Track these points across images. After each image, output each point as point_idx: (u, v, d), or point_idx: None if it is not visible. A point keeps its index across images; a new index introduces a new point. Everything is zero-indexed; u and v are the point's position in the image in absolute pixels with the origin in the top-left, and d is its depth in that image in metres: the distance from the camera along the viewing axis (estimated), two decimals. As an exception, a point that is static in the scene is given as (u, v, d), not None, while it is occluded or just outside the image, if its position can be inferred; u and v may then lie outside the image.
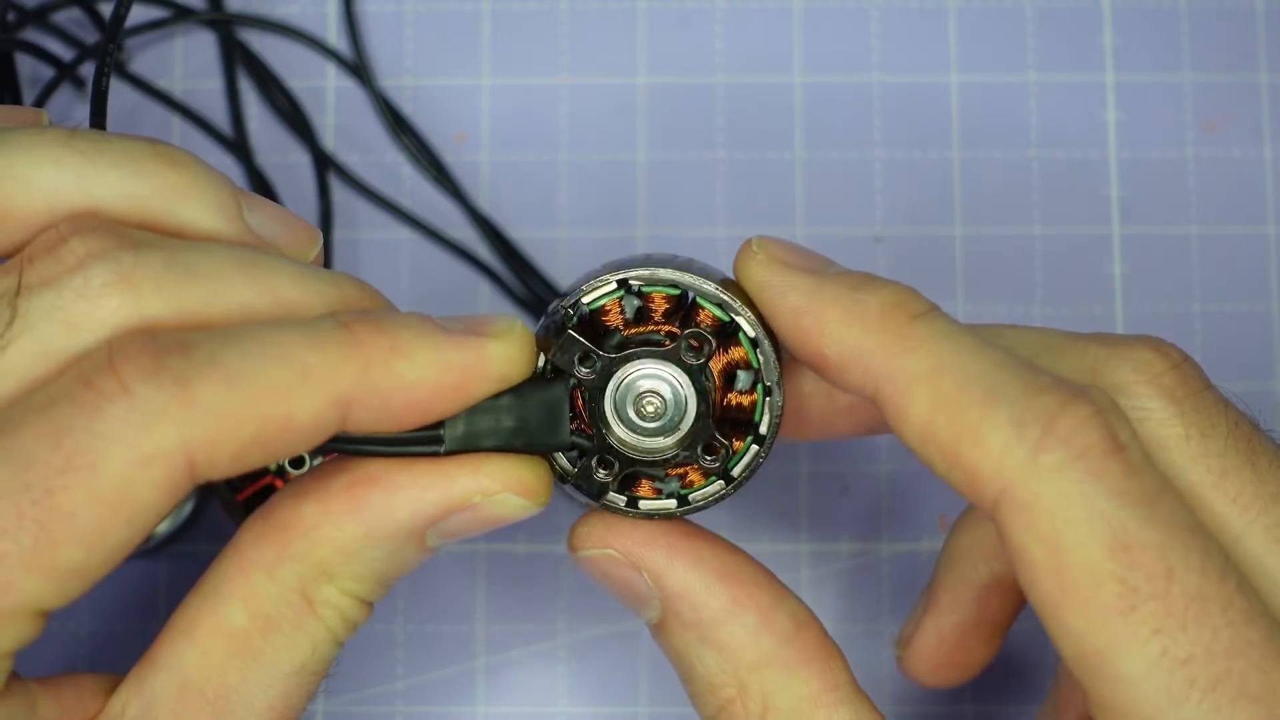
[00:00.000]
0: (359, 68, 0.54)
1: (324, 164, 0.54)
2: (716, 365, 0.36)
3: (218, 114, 0.54)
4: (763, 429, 0.35)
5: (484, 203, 0.53)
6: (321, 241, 0.36)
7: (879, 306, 0.33)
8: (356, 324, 0.32)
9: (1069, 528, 0.30)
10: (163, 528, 0.48)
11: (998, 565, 0.42)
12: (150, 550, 0.50)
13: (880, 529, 0.52)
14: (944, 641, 0.43)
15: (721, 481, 0.35)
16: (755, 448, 0.35)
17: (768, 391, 0.35)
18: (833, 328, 0.34)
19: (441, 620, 0.51)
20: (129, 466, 0.30)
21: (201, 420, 0.30)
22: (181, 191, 0.33)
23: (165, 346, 0.30)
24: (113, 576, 0.51)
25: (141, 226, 0.33)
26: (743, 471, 0.35)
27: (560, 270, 0.53)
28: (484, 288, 0.53)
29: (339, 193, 0.54)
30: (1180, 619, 0.30)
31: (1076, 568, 0.30)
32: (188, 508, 0.49)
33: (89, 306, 0.31)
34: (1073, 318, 0.52)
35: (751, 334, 0.35)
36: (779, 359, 0.35)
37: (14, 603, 0.30)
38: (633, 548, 0.35)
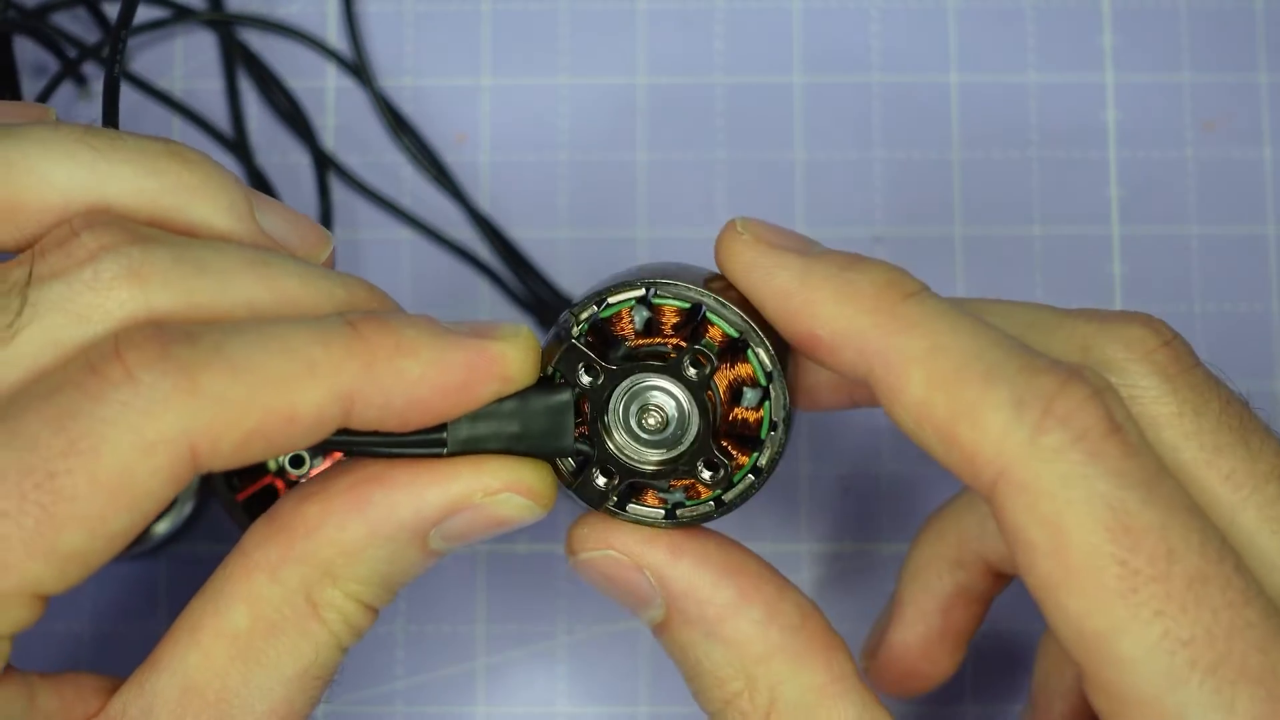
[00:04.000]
0: (359, 68, 0.54)
1: (324, 164, 0.54)
2: (723, 380, 0.35)
3: (218, 114, 0.54)
4: (762, 461, 0.34)
5: (484, 203, 0.53)
6: (333, 244, 0.36)
7: (871, 285, 0.33)
8: (362, 322, 0.32)
9: (1069, 509, 0.30)
10: (162, 528, 0.48)
11: (962, 575, 0.42)
12: (150, 550, 0.50)
13: (880, 529, 0.52)
14: (910, 653, 0.43)
15: (712, 504, 0.35)
16: (751, 478, 0.34)
17: (773, 426, 0.34)
18: (824, 308, 0.33)
19: (441, 620, 0.51)
20: (131, 452, 0.30)
21: (205, 409, 0.30)
22: (193, 190, 0.33)
23: (172, 336, 0.30)
24: (113, 576, 0.52)
25: (153, 223, 0.33)
26: (734, 498, 0.35)
27: (560, 270, 0.53)
28: (484, 288, 0.53)
29: (339, 193, 0.54)
30: (1181, 601, 0.30)
31: (1077, 550, 0.30)
32: (188, 508, 0.49)
33: (98, 298, 0.31)
34: (1073, 318, 0.52)
35: (768, 368, 0.34)
36: (790, 399, 0.34)
37: (14, 585, 0.30)
38: (634, 546, 0.34)
